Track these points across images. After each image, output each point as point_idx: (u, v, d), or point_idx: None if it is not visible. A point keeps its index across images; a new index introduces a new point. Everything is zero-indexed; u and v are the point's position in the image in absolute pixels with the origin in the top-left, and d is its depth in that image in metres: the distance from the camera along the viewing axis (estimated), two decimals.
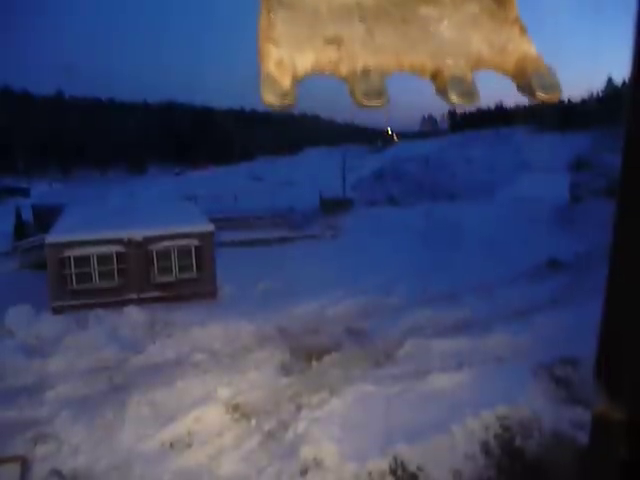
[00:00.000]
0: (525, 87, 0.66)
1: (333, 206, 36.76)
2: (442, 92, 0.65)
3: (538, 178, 45.71)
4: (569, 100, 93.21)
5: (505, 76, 0.68)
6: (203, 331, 16.31)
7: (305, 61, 0.64)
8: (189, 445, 10.87)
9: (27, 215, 30.67)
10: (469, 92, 0.64)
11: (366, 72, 0.63)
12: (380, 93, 0.62)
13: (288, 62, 0.63)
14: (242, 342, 16.00)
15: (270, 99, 0.61)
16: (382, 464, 9.55)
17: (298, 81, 0.64)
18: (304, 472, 9.50)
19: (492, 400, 10.94)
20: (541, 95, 0.64)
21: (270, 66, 0.63)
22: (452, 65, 0.65)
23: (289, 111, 0.67)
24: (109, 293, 18.74)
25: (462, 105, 0.64)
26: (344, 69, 0.64)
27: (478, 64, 0.67)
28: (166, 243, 19.57)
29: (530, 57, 0.67)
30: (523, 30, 0.68)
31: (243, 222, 32.03)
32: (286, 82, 0.62)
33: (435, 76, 0.66)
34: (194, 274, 19.87)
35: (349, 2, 0.66)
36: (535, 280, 20.78)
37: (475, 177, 52.57)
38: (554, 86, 0.64)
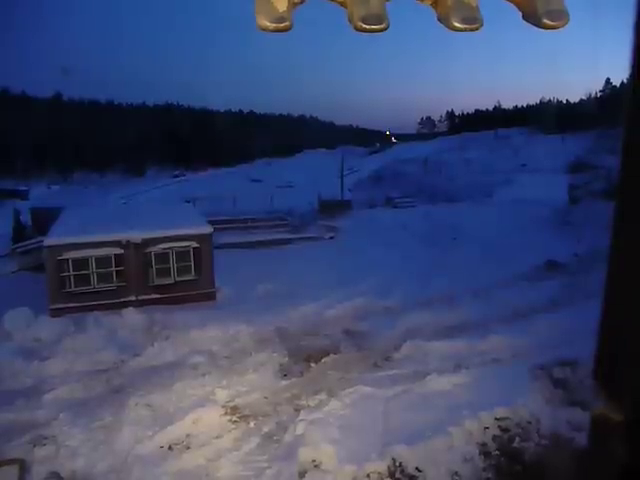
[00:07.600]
0: (531, 14, 0.61)
1: (332, 208, 36.71)
2: (444, 18, 0.61)
3: (537, 180, 45.72)
4: (567, 101, 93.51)
5: (510, 2, 0.63)
6: (201, 333, 16.29)
7: None
8: (187, 447, 10.84)
9: (25, 217, 30.54)
10: (473, 17, 0.60)
11: None
12: (380, 17, 0.58)
13: None
14: (240, 344, 15.98)
15: (264, 23, 0.58)
16: (380, 466, 9.51)
17: (295, 5, 0.61)
18: (302, 474, 9.46)
19: (490, 402, 10.92)
20: (547, 22, 0.60)
21: None
22: None
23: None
24: (107, 295, 18.69)
25: (465, 31, 0.60)
26: None
27: None
28: (164, 245, 19.54)
29: None
30: None
31: (242, 224, 32.00)
32: (282, 5, 0.58)
33: (437, 1, 0.63)
34: (192, 276, 19.85)
35: None
36: (533, 282, 20.77)
37: (473, 179, 52.53)
38: (561, 13, 0.60)
